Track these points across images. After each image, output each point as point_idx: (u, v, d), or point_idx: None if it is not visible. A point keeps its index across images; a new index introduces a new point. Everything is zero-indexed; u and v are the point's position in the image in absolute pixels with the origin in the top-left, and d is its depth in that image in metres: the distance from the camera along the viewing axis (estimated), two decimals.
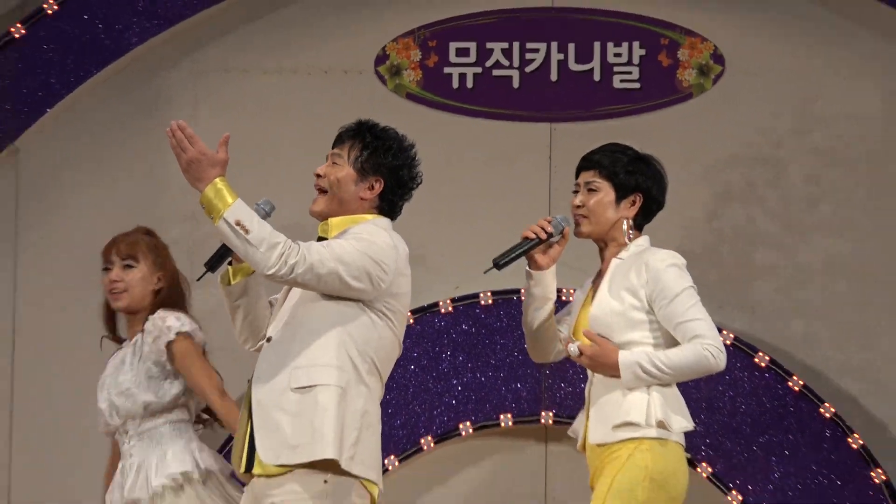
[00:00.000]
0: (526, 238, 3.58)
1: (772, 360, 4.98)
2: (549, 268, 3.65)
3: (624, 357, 3.32)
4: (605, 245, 3.56)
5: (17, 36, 5.22)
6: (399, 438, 5.23)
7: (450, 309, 5.20)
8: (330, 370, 3.38)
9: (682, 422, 3.39)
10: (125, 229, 4.19)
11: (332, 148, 3.56)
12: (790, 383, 4.98)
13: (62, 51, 5.27)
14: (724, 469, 5.02)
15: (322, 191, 3.50)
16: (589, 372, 3.53)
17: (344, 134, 3.53)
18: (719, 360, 3.34)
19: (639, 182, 3.56)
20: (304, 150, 4.91)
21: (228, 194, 3.26)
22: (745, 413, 5.05)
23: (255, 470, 3.37)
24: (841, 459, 5.03)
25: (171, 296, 4.15)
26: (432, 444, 5.17)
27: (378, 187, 3.48)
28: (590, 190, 3.54)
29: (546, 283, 3.64)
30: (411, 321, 5.13)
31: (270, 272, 3.34)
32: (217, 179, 3.25)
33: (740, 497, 4.92)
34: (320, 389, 3.35)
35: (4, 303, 5.36)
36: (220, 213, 3.24)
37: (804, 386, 4.97)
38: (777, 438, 5.03)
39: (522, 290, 3.73)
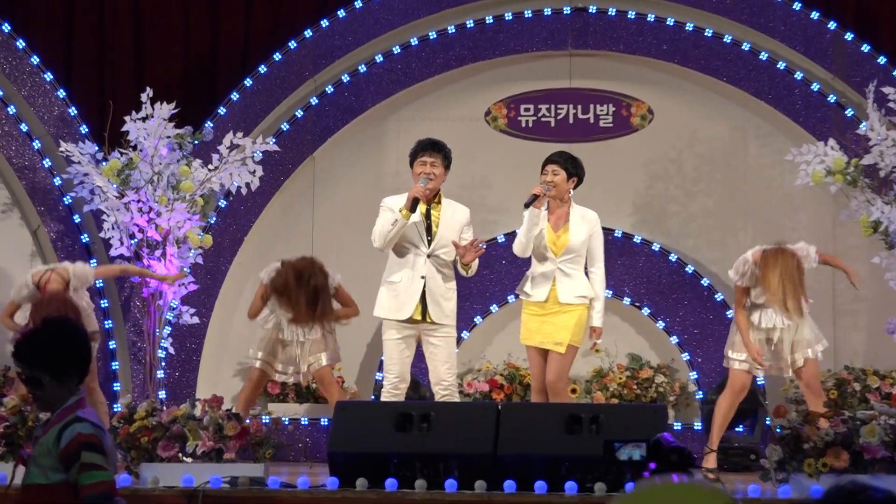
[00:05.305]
0: (534, 194, 5.57)
1: None
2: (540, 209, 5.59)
3: None
4: (561, 200, 5.63)
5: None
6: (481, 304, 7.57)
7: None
8: (453, 289, 5.79)
9: None
10: None
11: (430, 151, 5.74)
12: None
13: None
14: None
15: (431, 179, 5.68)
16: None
17: (434, 145, 5.78)
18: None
19: (573, 170, 5.66)
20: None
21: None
22: None
23: (425, 319, 5.67)
24: None
25: None
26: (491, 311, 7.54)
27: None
28: (554, 173, 5.61)
29: (539, 216, 5.61)
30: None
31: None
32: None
33: None
34: (451, 300, 5.79)
35: None
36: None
37: None
38: None
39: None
